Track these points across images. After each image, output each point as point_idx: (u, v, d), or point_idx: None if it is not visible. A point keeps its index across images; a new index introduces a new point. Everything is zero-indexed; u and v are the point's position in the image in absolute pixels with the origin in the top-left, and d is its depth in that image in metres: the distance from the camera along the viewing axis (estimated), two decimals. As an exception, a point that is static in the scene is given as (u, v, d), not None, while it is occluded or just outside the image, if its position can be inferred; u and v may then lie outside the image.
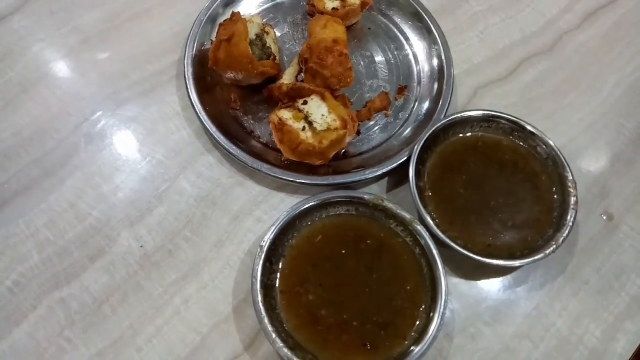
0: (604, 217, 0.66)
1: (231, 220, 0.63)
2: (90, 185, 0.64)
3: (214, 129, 0.64)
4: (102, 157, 0.66)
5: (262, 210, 0.64)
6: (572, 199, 0.61)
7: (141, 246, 0.61)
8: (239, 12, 0.65)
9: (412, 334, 0.55)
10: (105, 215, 0.62)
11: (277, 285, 0.57)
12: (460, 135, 0.67)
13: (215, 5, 0.73)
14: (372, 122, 0.70)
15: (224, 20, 0.65)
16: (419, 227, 0.58)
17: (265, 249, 0.56)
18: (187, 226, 0.62)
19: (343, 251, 0.58)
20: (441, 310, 0.54)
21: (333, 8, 0.71)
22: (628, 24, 0.82)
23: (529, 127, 0.65)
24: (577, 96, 0.75)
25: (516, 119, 0.66)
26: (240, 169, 0.66)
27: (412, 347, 0.53)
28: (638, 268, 0.63)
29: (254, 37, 0.66)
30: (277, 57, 0.69)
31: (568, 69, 0.77)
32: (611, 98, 0.75)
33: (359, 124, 0.66)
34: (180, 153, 0.67)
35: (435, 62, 0.73)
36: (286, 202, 0.64)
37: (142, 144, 0.67)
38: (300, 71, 0.70)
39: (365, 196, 0.60)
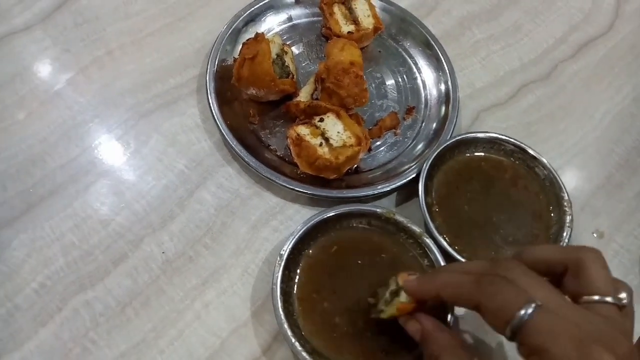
0: (595, 235, 0.71)
1: (249, 229, 0.66)
2: (114, 192, 0.66)
3: (234, 142, 0.68)
4: (125, 166, 0.68)
5: (279, 220, 0.67)
6: (568, 218, 0.66)
7: (163, 252, 0.63)
8: (263, 33, 0.69)
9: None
10: (129, 222, 0.65)
11: (294, 292, 0.60)
12: (467, 154, 0.71)
13: (235, 24, 0.77)
14: (380, 141, 0.74)
15: (248, 40, 0.69)
16: (429, 241, 0.62)
17: (284, 257, 0.59)
18: (207, 234, 0.65)
19: (359, 262, 0.62)
20: (451, 319, 0.58)
21: (349, 32, 0.76)
22: (616, 57, 0.88)
23: (530, 151, 0.70)
24: (572, 122, 0.80)
25: (519, 143, 0.70)
26: (257, 181, 0.69)
27: (423, 354, 0.56)
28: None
29: (275, 56, 0.70)
30: (294, 76, 0.73)
31: (563, 96, 0.83)
32: (602, 124, 0.81)
33: (370, 141, 0.70)
34: (201, 164, 0.70)
35: (442, 87, 0.78)
36: (301, 214, 0.68)
37: (164, 155, 0.70)
38: (315, 89, 0.73)
39: (378, 210, 0.64)
